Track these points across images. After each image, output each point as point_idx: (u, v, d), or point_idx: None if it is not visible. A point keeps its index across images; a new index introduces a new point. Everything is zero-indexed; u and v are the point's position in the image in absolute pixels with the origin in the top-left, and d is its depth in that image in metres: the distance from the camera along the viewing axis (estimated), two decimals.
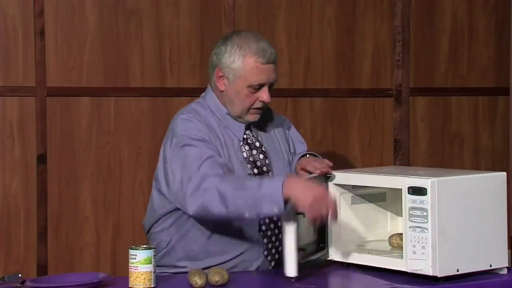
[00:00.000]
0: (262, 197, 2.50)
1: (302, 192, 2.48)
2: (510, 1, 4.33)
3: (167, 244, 2.83)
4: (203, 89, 3.96)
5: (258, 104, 2.85)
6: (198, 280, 2.46)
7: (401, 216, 2.60)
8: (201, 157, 2.66)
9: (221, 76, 2.85)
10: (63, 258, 3.76)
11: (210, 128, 2.81)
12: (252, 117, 2.87)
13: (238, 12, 3.99)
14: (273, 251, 2.82)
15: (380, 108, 4.26)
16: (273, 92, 4.03)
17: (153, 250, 2.46)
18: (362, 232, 2.83)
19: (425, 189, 2.49)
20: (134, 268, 2.43)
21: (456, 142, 4.41)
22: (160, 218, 2.86)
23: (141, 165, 3.87)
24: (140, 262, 2.43)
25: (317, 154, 2.93)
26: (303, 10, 4.11)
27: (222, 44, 2.89)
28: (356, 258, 2.72)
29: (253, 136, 2.89)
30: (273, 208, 2.49)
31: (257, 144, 2.88)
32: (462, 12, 4.39)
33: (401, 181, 2.57)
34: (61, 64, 3.76)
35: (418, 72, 4.32)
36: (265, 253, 2.79)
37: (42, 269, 3.72)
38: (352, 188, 2.76)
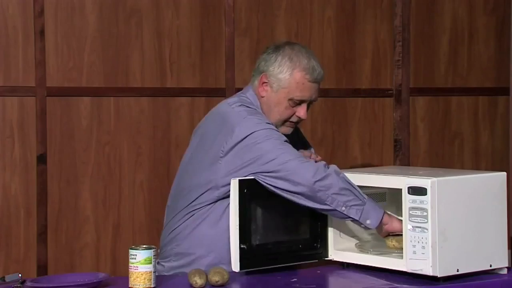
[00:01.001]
0: (369, 206, 2.66)
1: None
2: (510, 1, 4.34)
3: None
4: (203, 89, 4.00)
5: (294, 119, 2.89)
6: (198, 280, 2.46)
7: (401, 216, 2.60)
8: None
9: (264, 83, 2.86)
10: (63, 258, 3.76)
11: None
12: (286, 130, 2.90)
13: (238, 12, 3.99)
14: None
15: (380, 108, 4.27)
16: None
17: (153, 250, 2.46)
18: (362, 232, 2.83)
19: (425, 189, 2.49)
20: (134, 268, 2.43)
21: (456, 142, 4.41)
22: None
23: (141, 165, 3.87)
24: (140, 262, 2.43)
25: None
26: (303, 10, 4.11)
27: (273, 52, 2.89)
28: (356, 258, 2.72)
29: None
30: (373, 221, 2.65)
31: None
32: (462, 12, 4.39)
33: (401, 181, 2.57)
34: (61, 64, 3.76)
35: (418, 72, 4.32)
36: None
37: (42, 269, 3.72)
38: None
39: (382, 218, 2.66)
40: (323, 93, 4.13)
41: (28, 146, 3.72)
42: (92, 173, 3.80)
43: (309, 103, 2.90)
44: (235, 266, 2.62)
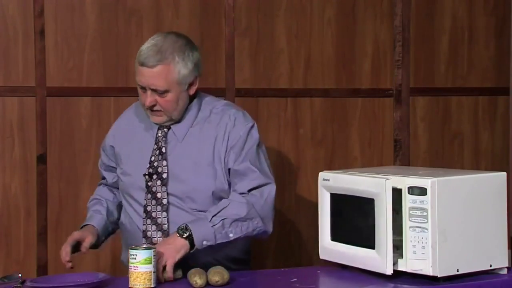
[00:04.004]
0: None
1: None
2: (510, 1, 4.33)
3: None
4: (203, 89, 3.97)
5: (148, 106, 2.83)
6: (198, 280, 2.46)
7: (401, 216, 2.60)
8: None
9: None
10: None
11: (132, 127, 2.97)
12: (152, 119, 2.88)
13: (238, 12, 3.99)
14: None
15: (380, 108, 4.26)
16: (273, 92, 4.05)
17: (153, 250, 2.46)
18: None
19: (425, 189, 2.49)
20: (134, 268, 2.43)
21: (456, 142, 4.41)
22: None
23: None
24: (140, 262, 2.43)
25: (189, 229, 2.69)
26: (303, 10, 4.11)
27: None
28: None
29: (162, 136, 2.89)
30: None
31: (160, 144, 2.88)
32: (462, 12, 4.39)
33: (401, 181, 2.57)
34: (61, 64, 3.76)
35: (418, 72, 4.32)
36: None
37: (42, 269, 3.72)
38: None
39: None
40: (323, 93, 4.14)
41: (28, 146, 3.72)
42: (92, 173, 3.79)
43: (159, 92, 2.79)
44: (389, 269, 2.53)
